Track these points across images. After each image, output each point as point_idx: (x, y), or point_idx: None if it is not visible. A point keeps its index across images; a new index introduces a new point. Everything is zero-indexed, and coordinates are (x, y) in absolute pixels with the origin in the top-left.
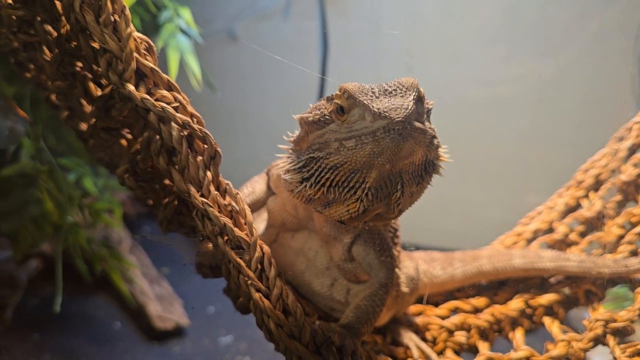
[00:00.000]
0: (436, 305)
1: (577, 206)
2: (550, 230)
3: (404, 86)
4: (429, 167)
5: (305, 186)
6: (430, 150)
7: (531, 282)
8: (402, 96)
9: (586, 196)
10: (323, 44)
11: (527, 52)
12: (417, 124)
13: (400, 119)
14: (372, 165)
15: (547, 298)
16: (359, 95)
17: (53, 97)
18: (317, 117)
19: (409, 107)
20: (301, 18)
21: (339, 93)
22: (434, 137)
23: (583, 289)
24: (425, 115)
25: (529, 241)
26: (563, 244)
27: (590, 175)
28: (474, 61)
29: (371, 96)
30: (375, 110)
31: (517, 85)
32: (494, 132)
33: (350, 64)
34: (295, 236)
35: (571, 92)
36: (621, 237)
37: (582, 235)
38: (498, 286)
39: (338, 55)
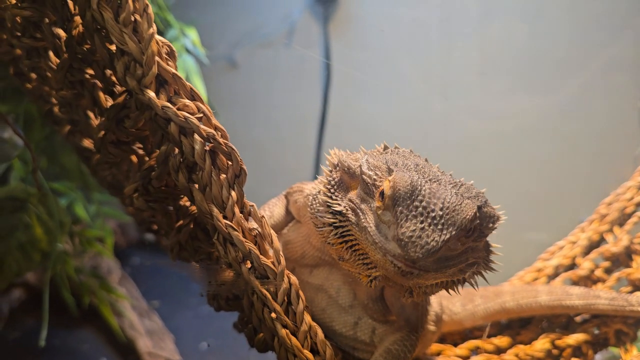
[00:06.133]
0: (455, 345)
1: (601, 241)
2: (573, 266)
3: (452, 219)
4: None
5: (331, 230)
6: (456, 274)
7: (556, 320)
8: (440, 230)
9: (610, 230)
10: (325, 73)
11: (530, 86)
12: (432, 268)
13: (409, 262)
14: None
15: (575, 338)
16: (399, 204)
17: (56, 109)
18: (368, 181)
19: (431, 249)
20: (304, 46)
21: (389, 181)
22: (475, 263)
23: (613, 329)
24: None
25: (551, 277)
26: (589, 281)
27: (614, 209)
28: (476, 95)
29: (409, 211)
30: (398, 234)
31: (520, 120)
32: (495, 167)
33: (353, 93)
34: (314, 272)
35: (575, 127)
36: None
37: (609, 271)
38: (521, 325)
39: (340, 84)
